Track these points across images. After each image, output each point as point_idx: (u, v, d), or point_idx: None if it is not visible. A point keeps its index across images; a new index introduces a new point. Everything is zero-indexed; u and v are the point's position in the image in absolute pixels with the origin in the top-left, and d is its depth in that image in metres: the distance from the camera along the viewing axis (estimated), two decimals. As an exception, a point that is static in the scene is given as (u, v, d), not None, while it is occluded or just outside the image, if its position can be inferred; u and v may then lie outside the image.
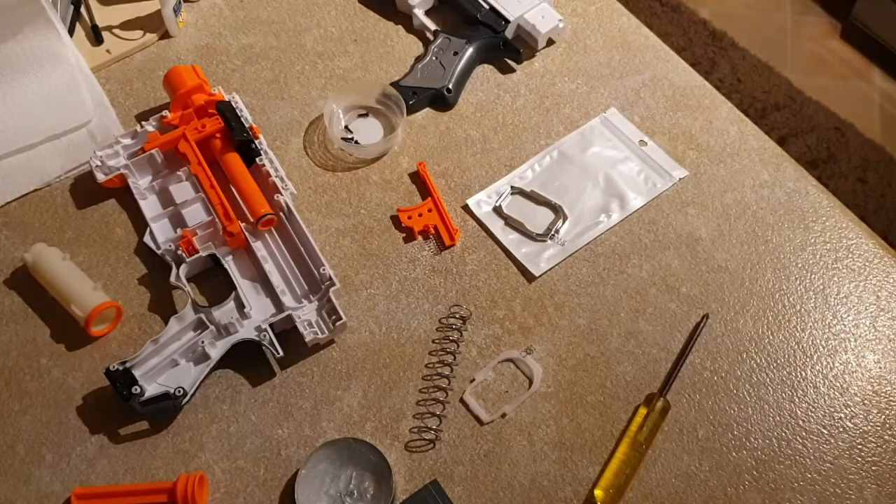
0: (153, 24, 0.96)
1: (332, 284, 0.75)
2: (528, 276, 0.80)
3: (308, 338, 0.73)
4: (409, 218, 0.83)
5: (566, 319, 0.78)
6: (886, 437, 0.73)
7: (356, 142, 0.89)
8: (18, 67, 0.88)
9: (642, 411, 0.73)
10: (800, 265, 0.82)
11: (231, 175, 0.82)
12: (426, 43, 0.97)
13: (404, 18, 0.99)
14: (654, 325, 0.78)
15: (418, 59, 0.94)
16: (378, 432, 0.72)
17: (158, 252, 0.78)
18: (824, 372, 0.76)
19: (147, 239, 0.79)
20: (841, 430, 0.73)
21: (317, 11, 1.00)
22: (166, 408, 0.71)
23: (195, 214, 0.80)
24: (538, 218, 0.84)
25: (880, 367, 0.76)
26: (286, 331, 0.75)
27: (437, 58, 0.93)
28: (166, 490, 0.67)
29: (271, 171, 0.82)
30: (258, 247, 0.79)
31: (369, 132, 0.90)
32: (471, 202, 0.85)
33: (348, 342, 0.76)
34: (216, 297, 0.78)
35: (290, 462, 0.70)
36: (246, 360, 0.74)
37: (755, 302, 0.80)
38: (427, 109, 0.92)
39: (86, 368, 0.74)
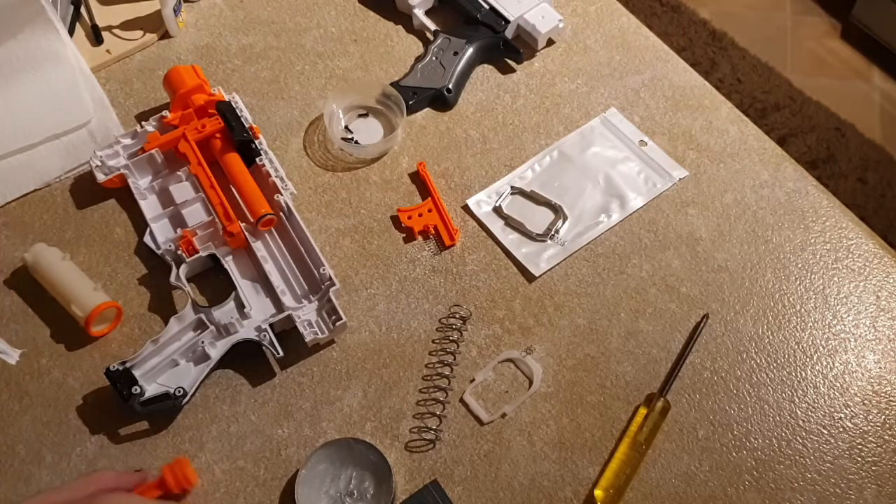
0: (153, 24, 0.96)
1: (332, 284, 0.75)
2: (528, 276, 0.80)
3: (308, 338, 0.73)
4: (409, 218, 0.83)
5: (566, 319, 0.78)
6: (886, 437, 0.73)
7: (356, 142, 0.89)
8: (18, 67, 0.88)
9: (642, 411, 0.73)
10: (800, 265, 0.82)
11: (231, 175, 0.82)
12: (426, 43, 0.97)
13: (404, 18, 0.99)
14: (654, 325, 0.78)
15: (418, 59, 0.94)
16: (378, 432, 0.72)
17: (158, 252, 0.78)
18: (824, 372, 0.76)
19: (147, 239, 0.79)
20: (841, 430, 0.73)
21: (317, 11, 1.00)
22: (166, 408, 0.71)
23: (195, 214, 0.80)
24: (538, 218, 0.84)
25: (880, 367, 0.76)
26: (286, 331, 0.75)
27: (437, 58, 0.93)
28: (156, 485, 0.66)
29: (271, 171, 0.82)
30: (258, 247, 0.79)
31: (369, 132, 0.90)
32: (471, 202, 0.85)
33: (348, 342, 0.76)
34: (216, 297, 0.78)
35: (290, 462, 0.70)
36: (246, 360, 0.74)
37: (755, 302, 0.80)
38: (427, 109, 0.92)
39: (86, 368, 0.74)
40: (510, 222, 0.84)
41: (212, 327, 0.73)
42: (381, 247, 0.82)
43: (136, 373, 0.70)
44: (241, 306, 0.75)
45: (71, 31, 0.94)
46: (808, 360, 0.77)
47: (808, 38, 2.05)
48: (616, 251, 0.83)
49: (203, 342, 0.72)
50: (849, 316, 0.79)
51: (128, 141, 0.84)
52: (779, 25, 2.08)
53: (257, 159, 0.83)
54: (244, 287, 0.77)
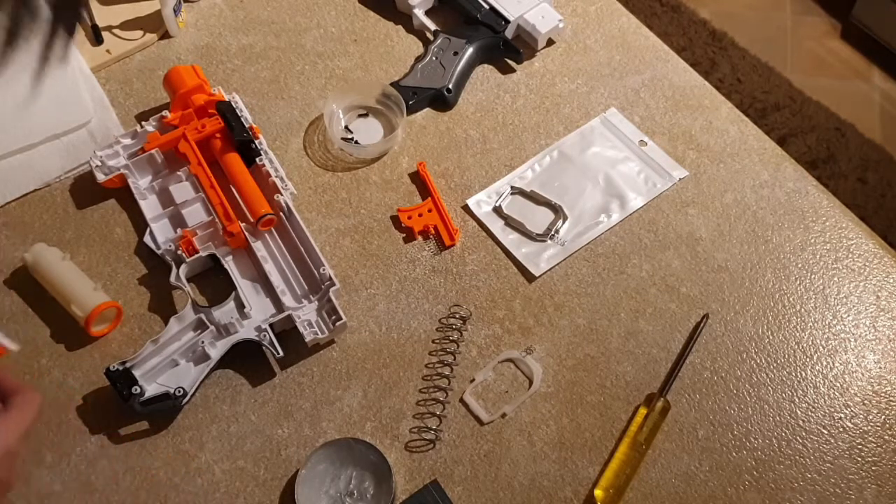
0: (153, 24, 0.96)
1: (332, 284, 0.75)
2: (528, 276, 0.80)
3: (308, 338, 0.73)
4: (409, 218, 0.83)
5: (566, 319, 0.78)
6: (886, 437, 0.73)
7: (356, 142, 0.89)
8: (18, 67, 0.88)
9: (642, 411, 0.73)
10: (800, 265, 0.82)
11: (231, 175, 0.82)
12: (426, 43, 0.97)
13: (404, 18, 0.99)
14: (654, 325, 0.78)
15: (418, 59, 0.94)
16: (378, 432, 0.72)
17: (158, 252, 0.78)
18: (824, 372, 0.76)
19: (147, 239, 0.79)
20: (841, 430, 0.73)
21: (317, 11, 1.00)
22: (166, 408, 0.71)
23: (195, 214, 0.80)
24: (538, 218, 0.84)
25: (880, 367, 0.76)
26: (286, 331, 0.75)
27: (437, 58, 0.93)
28: None
29: (271, 171, 0.82)
30: (258, 247, 0.79)
31: (369, 132, 0.90)
32: (471, 202, 0.85)
33: (348, 342, 0.76)
34: (216, 297, 0.77)
35: (290, 462, 0.70)
36: (246, 360, 0.74)
37: (755, 302, 0.80)
38: (427, 109, 0.92)
39: (86, 368, 0.74)
40: (510, 222, 0.84)
41: (212, 327, 0.73)
42: (381, 247, 0.82)
43: (136, 373, 0.70)
44: (241, 306, 0.75)
45: (71, 31, 0.93)
46: (808, 360, 0.77)
47: (808, 38, 2.05)
48: (616, 251, 0.83)
49: (203, 342, 0.72)
50: (849, 316, 0.79)
51: (128, 141, 0.84)
52: (779, 25, 2.08)
53: (257, 159, 0.83)
54: (244, 287, 0.77)
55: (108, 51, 0.94)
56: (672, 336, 0.77)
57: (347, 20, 0.99)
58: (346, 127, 0.90)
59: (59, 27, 0.40)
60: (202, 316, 0.74)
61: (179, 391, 0.70)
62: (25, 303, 0.78)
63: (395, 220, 0.84)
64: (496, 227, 0.83)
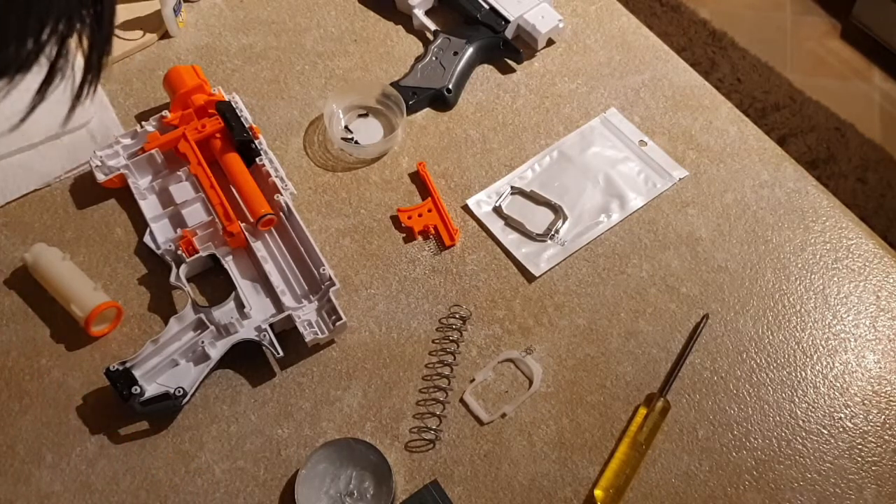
0: (153, 24, 0.96)
1: (332, 284, 0.75)
2: (528, 276, 0.80)
3: (308, 338, 0.73)
4: (409, 218, 0.83)
5: (566, 319, 0.78)
6: (886, 437, 0.73)
7: (356, 142, 0.89)
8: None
9: (642, 411, 0.73)
10: (800, 265, 0.82)
11: (231, 175, 0.82)
12: (426, 43, 0.97)
13: (404, 18, 0.99)
14: (654, 325, 0.78)
15: (418, 59, 0.94)
16: (378, 432, 0.72)
17: (158, 252, 0.78)
18: (824, 372, 0.76)
19: (147, 239, 0.79)
20: (841, 430, 0.73)
21: (317, 11, 1.00)
22: (166, 408, 0.71)
23: (195, 214, 0.80)
24: (538, 218, 0.84)
25: (880, 367, 0.76)
26: (286, 331, 0.75)
27: (437, 58, 0.93)
28: None
29: (271, 171, 0.82)
30: (258, 247, 0.79)
31: (369, 132, 0.90)
32: (471, 202, 0.85)
33: (348, 342, 0.76)
34: (216, 297, 0.78)
35: (290, 462, 0.70)
36: (246, 360, 0.74)
37: (755, 302, 0.80)
38: (427, 109, 0.92)
39: (86, 368, 0.74)
40: (510, 222, 0.84)
41: (212, 327, 0.73)
42: (381, 247, 0.82)
43: (136, 373, 0.70)
44: (241, 306, 0.75)
45: (71, 31, 0.93)
46: (808, 360, 0.77)
47: (808, 38, 2.05)
48: (616, 251, 0.83)
49: (203, 342, 0.72)
50: (849, 316, 0.79)
51: (128, 141, 0.84)
52: (779, 25, 2.08)
53: (257, 159, 0.83)
54: (244, 287, 0.77)
55: (108, 51, 0.93)
56: (672, 336, 0.77)
57: (347, 20, 0.99)
58: (346, 127, 0.90)
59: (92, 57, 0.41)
60: (202, 316, 0.74)
61: (179, 391, 0.70)
62: (25, 303, 0.78)
63: (395, 220, 0.84)
64: (496, 227, 0.83)
